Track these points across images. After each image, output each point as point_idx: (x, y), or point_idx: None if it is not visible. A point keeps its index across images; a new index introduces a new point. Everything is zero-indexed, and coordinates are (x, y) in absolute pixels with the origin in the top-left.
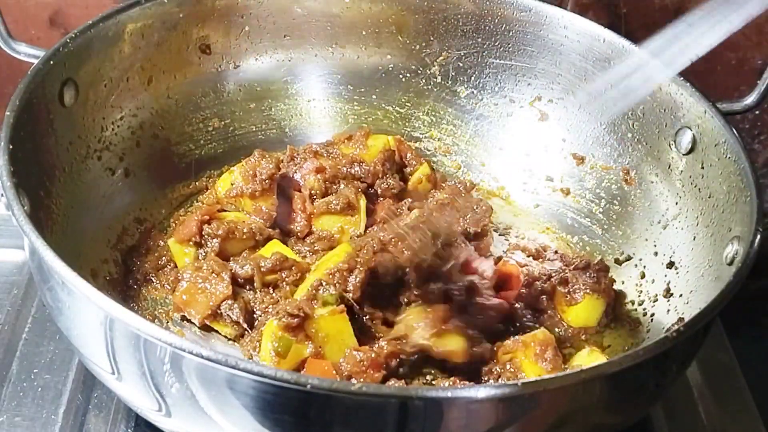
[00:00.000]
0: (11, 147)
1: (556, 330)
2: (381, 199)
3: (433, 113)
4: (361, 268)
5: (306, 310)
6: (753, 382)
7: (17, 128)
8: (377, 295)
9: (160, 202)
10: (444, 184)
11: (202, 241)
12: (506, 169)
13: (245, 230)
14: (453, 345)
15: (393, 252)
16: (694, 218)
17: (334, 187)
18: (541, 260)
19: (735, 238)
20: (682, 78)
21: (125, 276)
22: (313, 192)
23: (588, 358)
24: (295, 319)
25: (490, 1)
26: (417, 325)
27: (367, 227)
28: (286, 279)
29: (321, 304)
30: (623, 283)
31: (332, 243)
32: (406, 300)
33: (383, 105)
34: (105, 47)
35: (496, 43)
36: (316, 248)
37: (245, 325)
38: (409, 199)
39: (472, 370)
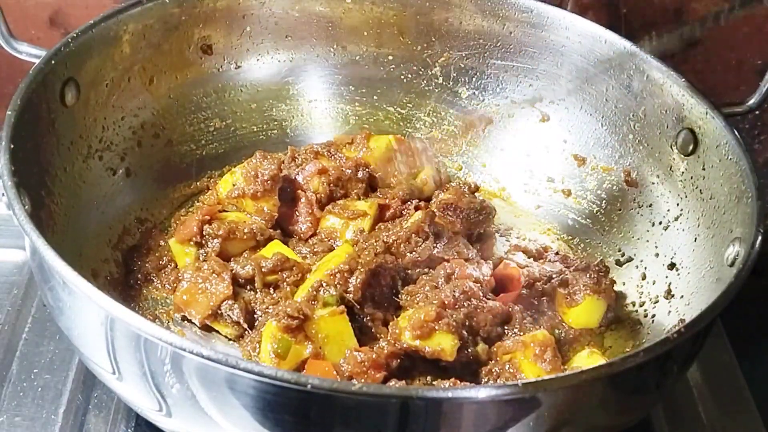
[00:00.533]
0: (12, 146)
1: (557, 331)
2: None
3: (435, 114)
4: (361, 269)
5: (305, 312)
6: (753, 382)
7: (18, 128)
8: (378, 296)
9: (161, 202)
10: (448, 185)
11: (203, 241)
12: (507, 170)
13: (246, 230)
14: (442, 344)
15: (395, 254)
16: (695, 219)
17: (338, 189)
18: (541, 261)
19: (736, 240)
20: (683, 79)
21: (126, 276)
22: (317, 195)
23: (588, 360)
24: (295, 321)
25: (492, 1)
26: (405, 327)
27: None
28: (287, 279)
29: (321, 305)
30: (624, 284)
31: (333, 245)
32: (402, 302)
33: (384, 106)
34: (106, 47)
35: (498, 44)
36: (316, 249)
37: (245, 326)
38: (416, 200)
39: (469, 372)
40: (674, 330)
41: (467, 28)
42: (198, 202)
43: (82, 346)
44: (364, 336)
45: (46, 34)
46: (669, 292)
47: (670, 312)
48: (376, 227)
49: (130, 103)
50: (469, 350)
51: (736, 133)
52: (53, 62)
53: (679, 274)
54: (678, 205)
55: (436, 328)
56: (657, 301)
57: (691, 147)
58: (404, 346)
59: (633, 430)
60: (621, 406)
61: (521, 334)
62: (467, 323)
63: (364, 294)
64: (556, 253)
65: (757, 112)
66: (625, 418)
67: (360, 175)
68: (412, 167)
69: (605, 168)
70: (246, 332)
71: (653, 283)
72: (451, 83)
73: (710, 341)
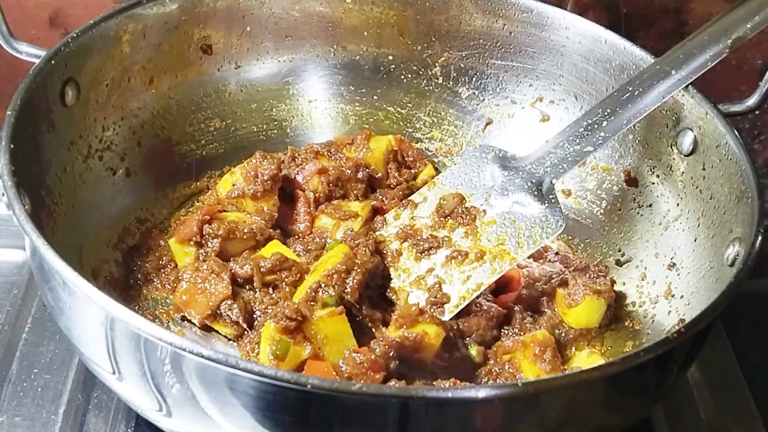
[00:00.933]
0: (12, 146)
1: (557, 331)
2: (386, 200)
3: (435, 114)
4: (358, 270)
5: (303, 313)
6: (753, 382)
7: (18, 128)
8: (376, 297)
9: (162, 202)
10: None
11: (203, 241)
12: None
13: (246, 230)
14: (426, 329)
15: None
16: (695, 219)
17: (338, 189)
18: (541, 261)
19: (736, 240)
20: None
21: (126, 276)
22: (316, 194)
23: (587, 360)
24: (293, 323)
25: (492, 1)
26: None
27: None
28: (286, 279)
29: (320, 305)
30: (624, 284)
31: (324, 243)
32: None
33: (384, 106)
34: (106, 47)
35: (498, 44)
36: (309, 247)
37: (245, 326)
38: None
39: (466, 373)
40: (674, 330)
41: (467, 28)
42: (198, 202)
43: (82, 346)
44: (364, 336)
45: (46, 34)
46: (669, 292)
47: (670, 312)
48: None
49: (130, 103)
50: (460, 352)
51: (736, 133)
52: (53, 62)
53: (679, 274)
54: (678, 205)
55: (420, 320)
56: (657, 301)
57: (691, 147)
58: (390, 339)
59: (633, 430)
60: (621, 406)
61: (521, 334)
62: (456, 327)
63: (362, 294)
64: (556, 253)
65: (757, 112)
66: (625, 418)
67: (360, 175)
68: (412, 167)
69: (605, 168)
70: (245, 332)
71: (653, 283)
72: (451, 83)
73: (710, 341)
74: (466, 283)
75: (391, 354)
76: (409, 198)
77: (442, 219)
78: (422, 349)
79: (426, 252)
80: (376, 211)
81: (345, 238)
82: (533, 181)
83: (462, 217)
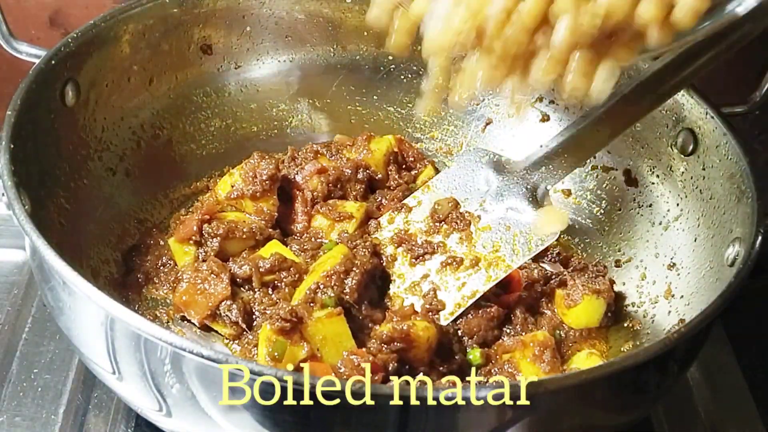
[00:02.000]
0: (12, 147)
1: (558, 332)
2: (384, 201)
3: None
4: (357, 270)
5: (299, 314)
6: (753, 382)
7: (18, 128)
8: (376, 297)
9: (161, 202)
10: None
11: (203, 241)
12: None
13: (245, 230)
14: (416, 323)
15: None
16: (695, 220)
17: (337, 190)
18: (541, 262)
19: (736, 240)
20: None
21: (126, 276)
22: (315, 194)
23: (586, 361)
24: (288, 324)
25: None
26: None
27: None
28: (285, 280)
29: (319, 306)
30: (624, 284)
31: (320, 243)
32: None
33: (384, 105)
34: (106, 47)
35: None
36: (305, 247)
37: (243, 326)
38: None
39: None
40: (674, 330)
41: None
42: (197, 202)
43: (83, 346)
44: (364, 336)
45: (46, 34)
46: (669, 292)
47: (670, 312)
48: (370, 221)
49: (130, 103)
50: (457, 357)
51: (737, 133)
52: (53, 62)
53: (679, 274)
54: (678, 205)
55: (413, 317)
56: (657, 301)
57: (691, 147)
58: (381, 334)
59: (632, 430)
60: (621, 406)
61: (523, 333)
62: (455, 329)
63: (361, 295)
64: (558, 254)
65: (757, 112)
66: (626, 418)
67: (360, 176)
68: (413, 168)
69: (605, 168)
70: (244, 332)
71: (653, 283)
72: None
73: (710, 341)
74: (461, 290)
75: (383, 348)
76: (403, 202)
77: (436, 224)
78: (413, 343)
79: (421, 258)
80: (371, 216)
81: (341, 240)
82: (528, 186)
83: (457, 223)
